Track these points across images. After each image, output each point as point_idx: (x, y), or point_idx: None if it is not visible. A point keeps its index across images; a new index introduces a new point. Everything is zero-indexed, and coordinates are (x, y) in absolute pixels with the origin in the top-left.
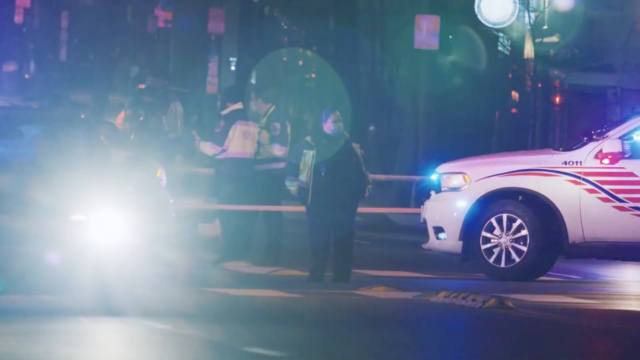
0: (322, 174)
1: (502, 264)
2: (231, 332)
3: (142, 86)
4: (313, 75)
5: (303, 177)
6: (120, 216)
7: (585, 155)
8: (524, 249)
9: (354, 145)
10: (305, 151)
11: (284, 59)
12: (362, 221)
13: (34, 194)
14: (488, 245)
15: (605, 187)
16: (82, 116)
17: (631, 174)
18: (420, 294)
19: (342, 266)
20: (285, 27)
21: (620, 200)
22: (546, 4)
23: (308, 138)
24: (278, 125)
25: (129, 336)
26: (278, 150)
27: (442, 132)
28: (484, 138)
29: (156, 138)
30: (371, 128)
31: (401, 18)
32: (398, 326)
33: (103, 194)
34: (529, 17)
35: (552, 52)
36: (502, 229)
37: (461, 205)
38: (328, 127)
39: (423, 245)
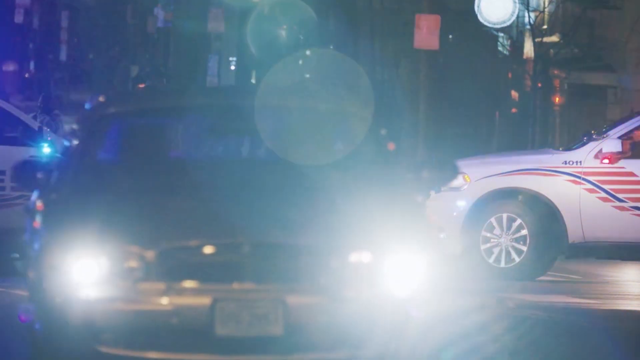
0: None
1: (502, 264)
2: None
3: (142, 86)
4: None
5: None
6: (418, 257)
7: (585, 155)
8: (524, 249)
9: None
10: None
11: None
12: None
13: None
14: (488, 245)
15: (605, 186)
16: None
17: (631, 174)
18: None
19: None
20: (285, 26)
21: (620, 200)
22: (546, 4)
23: None
24: None
25: None
26: None
27: (442, 132)
28: (484, 138)
29: None
30: None
31: (401, 18)
32: None
33: (398, 226)
34: (529, 17)
35: (552, 52)
36: (502, 229)
37: (461, 205)
38: None
39: None
